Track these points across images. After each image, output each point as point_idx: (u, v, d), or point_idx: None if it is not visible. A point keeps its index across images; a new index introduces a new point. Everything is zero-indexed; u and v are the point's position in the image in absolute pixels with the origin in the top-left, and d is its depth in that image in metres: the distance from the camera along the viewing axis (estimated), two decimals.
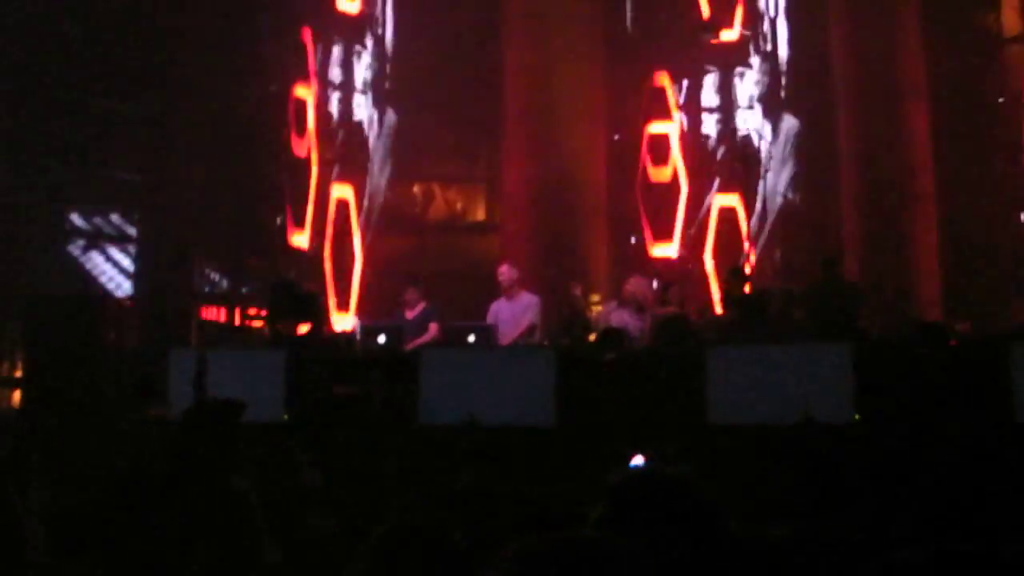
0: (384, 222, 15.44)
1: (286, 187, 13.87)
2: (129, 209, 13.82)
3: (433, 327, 9.25)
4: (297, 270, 13.55)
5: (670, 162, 14.31)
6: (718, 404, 6.44)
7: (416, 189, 16.88)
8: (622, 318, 8.74)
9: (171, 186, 13.49)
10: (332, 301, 13.37)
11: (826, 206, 14.32)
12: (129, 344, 8.86)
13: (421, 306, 9.53)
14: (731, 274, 9.97)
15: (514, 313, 9.36)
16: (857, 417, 6.16)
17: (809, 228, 14.25)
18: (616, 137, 14.75)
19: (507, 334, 9.01)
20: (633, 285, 9.20)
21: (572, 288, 9.47)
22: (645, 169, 14.22)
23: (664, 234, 14.03)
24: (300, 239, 13.78)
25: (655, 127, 14.40)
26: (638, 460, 3.70)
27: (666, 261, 13.57)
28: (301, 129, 13.95)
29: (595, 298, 9.22)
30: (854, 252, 13.31)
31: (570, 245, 12.46)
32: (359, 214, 14.84)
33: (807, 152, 14.68)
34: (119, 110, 13.60)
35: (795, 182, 14.49)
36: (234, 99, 14.22)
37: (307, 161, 14.12)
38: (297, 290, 8.97)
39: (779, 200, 14.27)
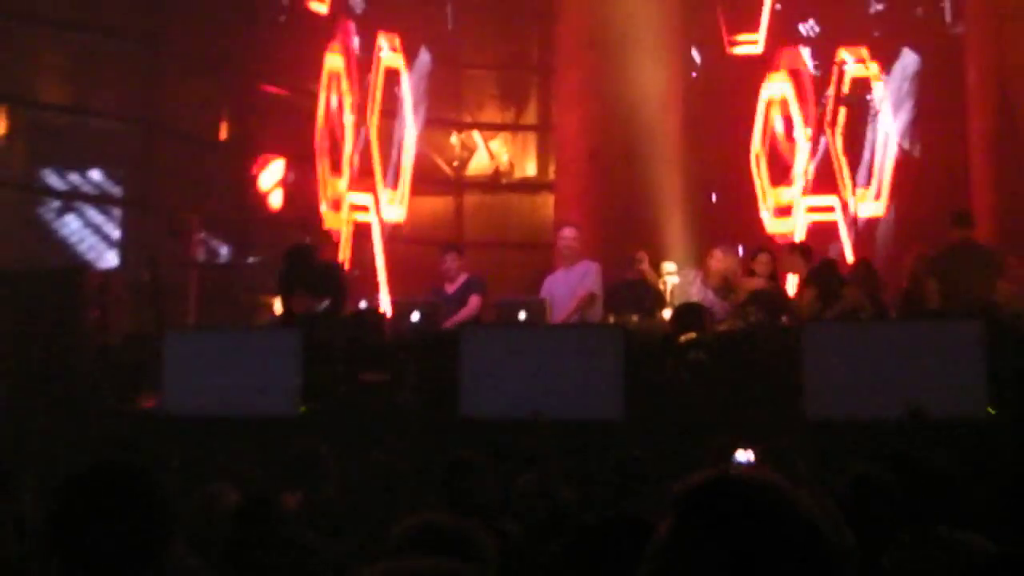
0: (416, 177, 15.56)
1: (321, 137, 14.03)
2: (112, 164, 14.06)
3: (474, 300, 9.25)
4: (313, 235, 13.76)
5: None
6: (817, 394, 6.46)
7: (454, 139, 16.94)
8: (706, 300, 8.70)
9: (162, 135, 13.73)
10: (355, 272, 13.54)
11: (951, 155, 14.16)
12: (115, 325, 9.03)
13: (463, 278, 9.53)
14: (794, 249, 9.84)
15: (570, 284, 9.37)
16: (991, 411, 6.14)
17: (931, 182, 14.10)
18: (694, 74, 14.68)
19: (563, 307, 9.03)
20: (720, 260, 9.09)
21: (637, 256, 9.41)
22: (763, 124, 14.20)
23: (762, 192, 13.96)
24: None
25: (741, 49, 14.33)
26: (745, 456, 3.70)
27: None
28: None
29: (669, 267, 9.17)
30: (986, 212, 13.15)
31: (639, 206, 12.40)
32: (384, 167, 14.97)
33: (931, 92, 14.54)
34: (97, 40, 13.86)
35: (914, 127, 14.34)
36: (234, 29, 14.45)
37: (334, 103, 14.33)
38: (314, 258, 9.06)
39: (894, 148, 14.12)
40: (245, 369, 7.71)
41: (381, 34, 14.94)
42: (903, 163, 13.99)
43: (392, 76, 15.14)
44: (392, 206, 14.81)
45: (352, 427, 7.25)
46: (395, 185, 14.90)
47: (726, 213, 14.16)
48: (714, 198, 14.30)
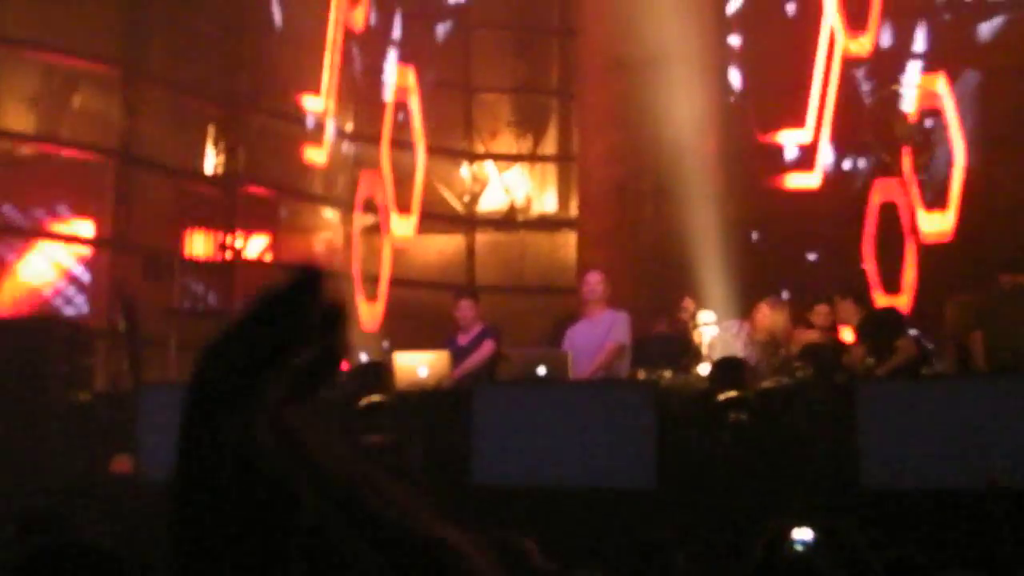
0: (422, 214, 15.64)
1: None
2: (83, 199, 14.17)
3: (488, 345, 9.23)
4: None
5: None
6: (875, 460, 6.44)
7: (464, 170, 17.04)
8: (751, 357, 8.68)
9: (139, 167, 13.85)
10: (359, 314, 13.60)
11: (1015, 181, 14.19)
12: (83, 381, 9.05)
13: (478, 328, 9.53)
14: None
15: (594, 335, 9.35)
16: None
17: (996, 210, 14.09)
18: (732, 99, 14.75)
19: (585, 362, 9.02)
20: (767, 316, 9.09)
21: (684, 303, 9.43)
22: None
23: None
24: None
25: None
26: (803, 535, 3.66)
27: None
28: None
29: (706, 317, 9.17)
30: None
31: (671, 246, 12.42)
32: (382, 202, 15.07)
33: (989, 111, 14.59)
34: (68, 61, 14.01)
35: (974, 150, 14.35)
36: (220, 50, 14.60)
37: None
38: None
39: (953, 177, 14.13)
40: None
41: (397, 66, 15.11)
42: (967, 188, 14.00)
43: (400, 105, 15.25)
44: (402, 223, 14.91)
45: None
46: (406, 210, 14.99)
47: (769, 254, 14.16)
48: (755, 236, 14.31)
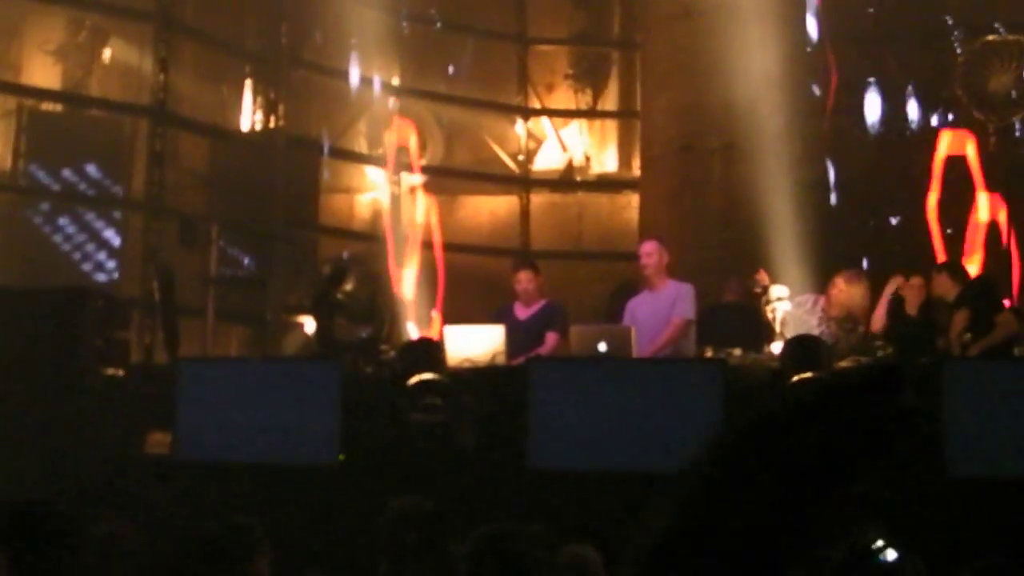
0: (473, 175, 15.73)
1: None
2: (114, 159, 14.34)
3: (551, 339, 9.25)
4: (354, 245, 13.98)
5: None
6: (962, 448, 6.45)
7: (519, 128, 17.06)
8: (827, 335, 8.64)
9: (173, 126, 14.00)
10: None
11: None
12: (117, 355, 9.20)
13: (540, 304, 9.54)
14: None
15: (656, 309, 9.34)
16: None
17: None
18: (808, 50, 14.65)
19: (648, 339, 9.02)
20: (842, 290, 9.02)
21: (758, 276, 9.37)
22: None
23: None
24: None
25: None
26: (889, 554, 3.68)
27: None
28: None
29: (779, 292, 9.14)
30: None
31: (741, 210, 12.38)
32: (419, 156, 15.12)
33: None
34: (97, 15, 14.16)
35: None
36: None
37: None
38: (355, 277, 9.20)
39: None
40: (273, 408, 7.83)
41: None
42: None
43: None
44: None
45: (400, 479, 7.35)
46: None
47: (849, 221, 14.08)
48: (833, 200, 14.23)
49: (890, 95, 15.01)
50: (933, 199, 13.05)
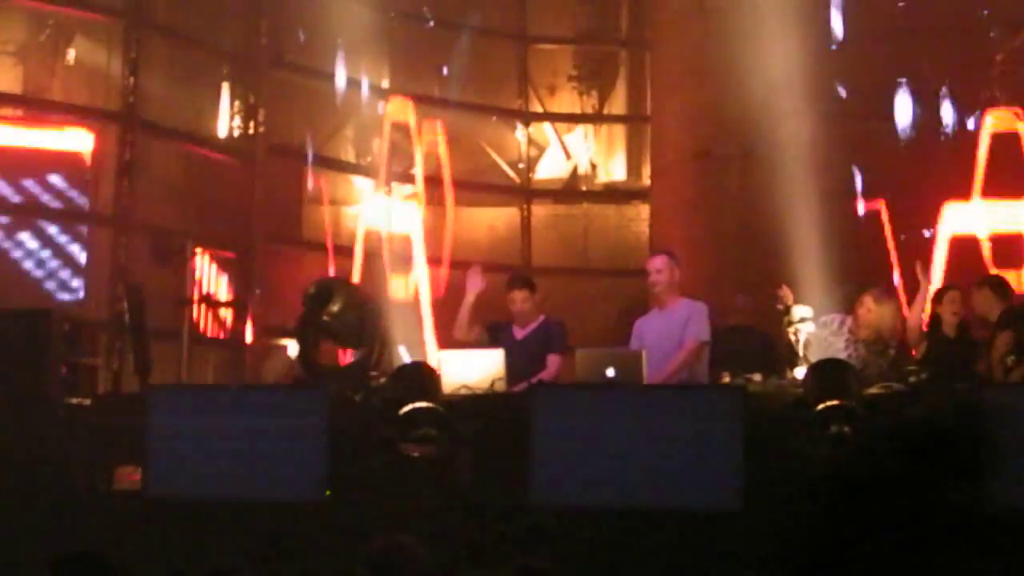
0: (470, 184, 15.73)
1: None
2: (80, 169, 14.34)
3: (553, 362, 9.29)
4: (341, 262, 13.95)
5: None
6: (1004, 480, 6.45)
7: (519, 133, 17.09)
8: (855, 358, 8.63)
9: (144, 132, 14.01)
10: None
11: None
12: (83, 382, 9.20)
13: (537, 321, 9.62)
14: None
15: (666, 330, 9.33)
16: None
17: None
18: (832, 48, 14.69)
19: (658, 362, 9.02)
20: (871, 310, 8.99)
21: (781, 292, 9.33)
22: None
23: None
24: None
25: None
26: None
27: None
28: None
29: (802, 312, 9.12)
30: None
31: (760, 221, 12.40)
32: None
33: None
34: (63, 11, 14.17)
35: None
36: None
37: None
38: (343, 297, 9.20)
39: None
40: (254, 439, 7.83)
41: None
42: None
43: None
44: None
45: (392, 516, 7.36)
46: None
47: (879, 233, 14.09)
48: (861, 211, 14.25)
49: (922, 96, 15.04)
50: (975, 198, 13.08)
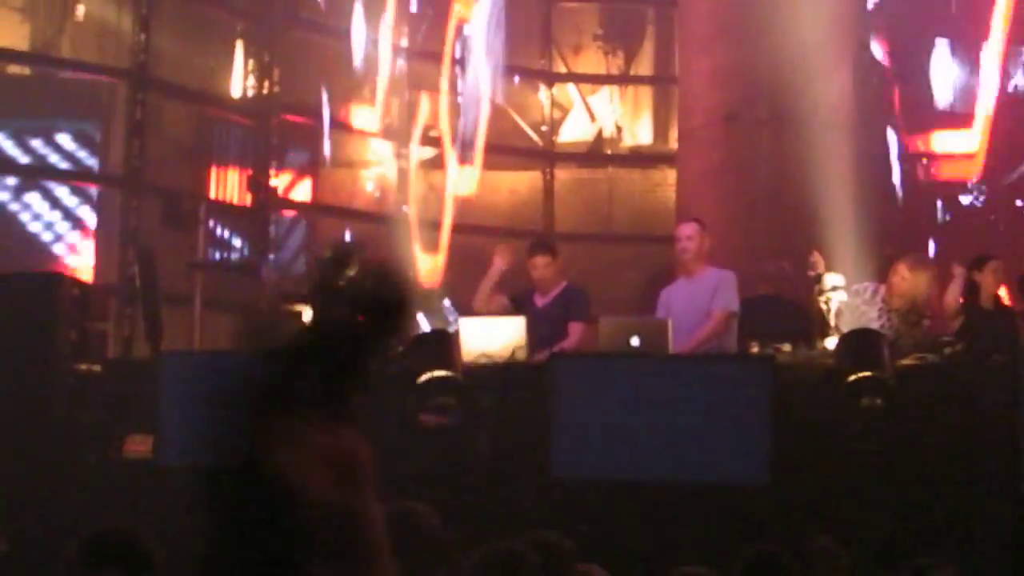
0: (490, 147, 15.68)
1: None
2: (88, 128, 14.37)
3: (576, 330, 9.26)
4: (358, 226, 13.99)
5: None
6: None
7: (542, 94, 17.06)
8: (888, 329, 8.59)
9: (155, 90, 14.03)
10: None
11: None
12: (93, 349, 9.25)
13: (559, 288, 9.62)
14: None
15: (694, 299, 9.33)
16: None
17: None
18: (870, 7, 14.61)
19: (684, 332, 9.02)
20: (905, 279, 8.94)
21: (812, 258, 9.29)
22: None
23: None
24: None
25: None
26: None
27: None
28: None
29: (834, 280, 9.09)
30: None
31: (792, 188, 12.37)
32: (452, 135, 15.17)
33: None
34: None
35: None
36: None
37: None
38: (359, 263, 9.22)
39: None
40: None
41: None
42: None
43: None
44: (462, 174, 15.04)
45: (407, 487, 7.39)
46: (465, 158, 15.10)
47: (915, 200, 14.05)
48: (897, 177, 14.21)
49: (963, 56, 14.97)
50: None
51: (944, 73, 14.89)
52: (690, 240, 9.45)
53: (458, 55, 15.73)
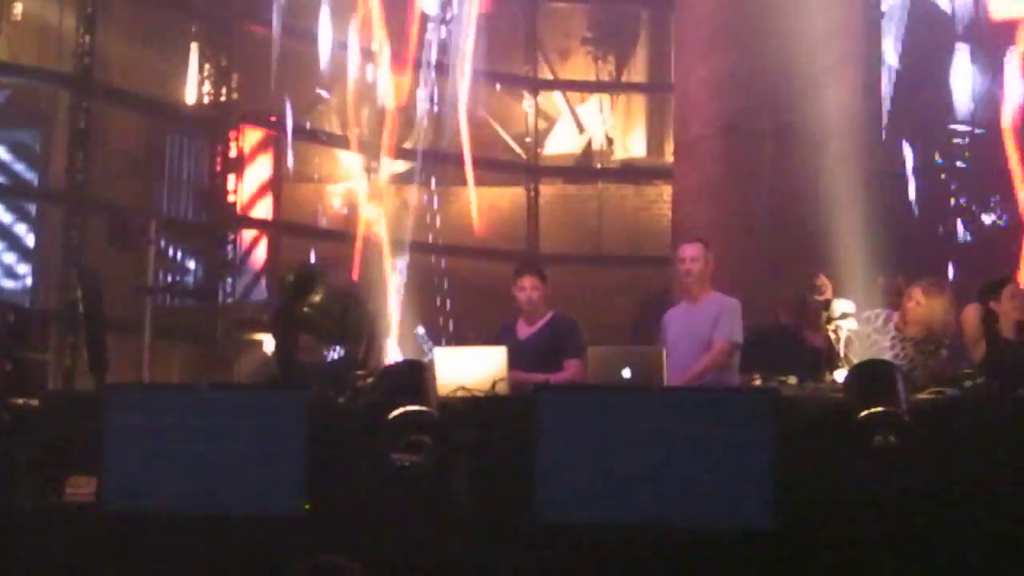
0: (466, 158, 15.72)
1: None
2: (27, 139, 14.37)
3: (572, 368, 9.12)
4: (321, 246, 13.96)
5: None
6: None
7: (527, 104, 17.09)
8: (902, 358, 8.61)
9: (100, 98, 14.01)
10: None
11: None
12: (31, 381, 9.21)
13: (546, 317, 9.55)
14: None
15: (692, 326, 9.33)
16: None
17: None
18: (881, 12, 14.66)
19: (680, 360, 9.01)
20: (921, 304, 8.92)
21: (818, 280, 9.28)
22: None
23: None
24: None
25: None
26: None
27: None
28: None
29: (844, 307, 9.09)
30: None
31: (797, 205, 12.43)
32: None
33: None
34: None
35: None
36: None
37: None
38: (324, 286, 9.22)
39: None
40: (224, 446, 7.84)
41: None
42: None
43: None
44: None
45: (377, 534, 7.37)
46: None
47: (931, 219, 14.08)
48: (912, 194, 14.24)
49: (983, 64, 15.03)
50: None
51: (964, 81, 14.95)
52: (695, 262, 9.43)
53: (433, 59, 15.75)
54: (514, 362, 8.51)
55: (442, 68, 15.72)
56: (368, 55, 15.61)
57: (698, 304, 9.45)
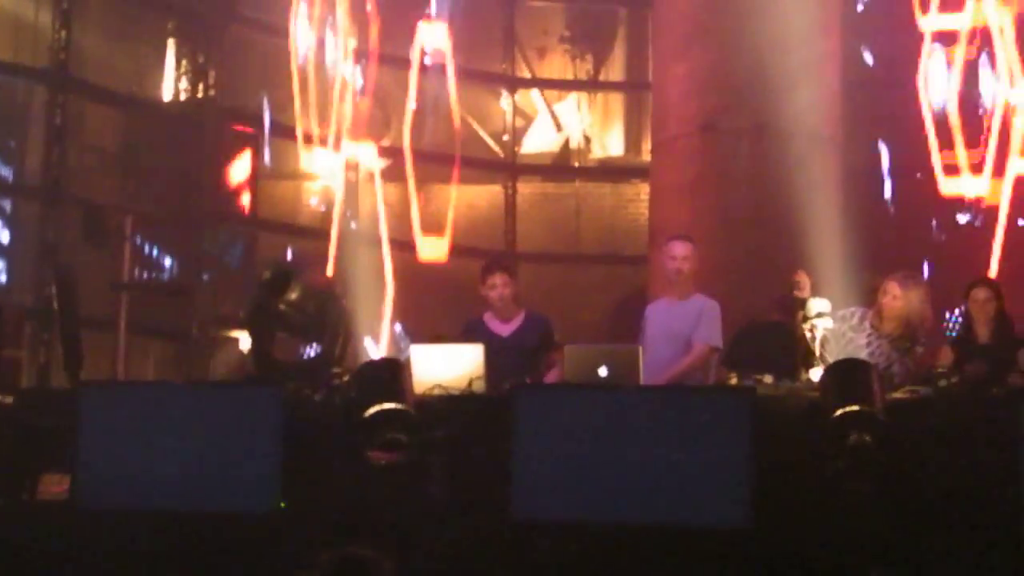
0: (446, 158, 15.70)
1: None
2: (1, 132, 14.33)
3: (556, 363, 9.08)
4: (298, 243, 13.94)
5: None
6: None
7: (504, 102, 17.08)
8: (878, 356, 8.62)
9: (76, 93, 13.97)
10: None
11: None
12: (4, 378, 9.21)
13: (521, 315, 9.60)
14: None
15: (671, 324, 9.35)
16: None
17: None
18: (860, 7, 14.68)
19: (657, 356, 9.03)
20: (898, 298, 8.93)
21: (797, 276, 9.26)
22: None
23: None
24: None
25: None
26: None
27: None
28: None
29: (819, 306, 9.08)
30: None
31: (774, 204, 12.43)
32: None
33: None
34: None
35: None
36: None
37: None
38: (300, 284, 9.21)
39: None
40: (198, 443, 7.81)
41: None
42: None
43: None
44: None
45: (354, 532, 7.37)
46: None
47: (908, 217, 14.11)
48: (888, 192, 14.27)
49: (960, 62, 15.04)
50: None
51: (941, 80, 14.95)
52: (686, 261, 9.45)
53: (413, 57, 15.72)
54: (494, 359, 8.52)
55: (421, 66, 15.66)
56: (346, 52, 15.57)
57: (682, 302, 9.48)
